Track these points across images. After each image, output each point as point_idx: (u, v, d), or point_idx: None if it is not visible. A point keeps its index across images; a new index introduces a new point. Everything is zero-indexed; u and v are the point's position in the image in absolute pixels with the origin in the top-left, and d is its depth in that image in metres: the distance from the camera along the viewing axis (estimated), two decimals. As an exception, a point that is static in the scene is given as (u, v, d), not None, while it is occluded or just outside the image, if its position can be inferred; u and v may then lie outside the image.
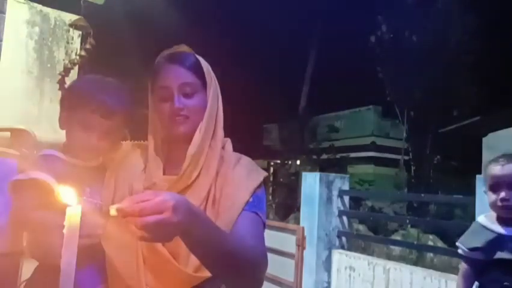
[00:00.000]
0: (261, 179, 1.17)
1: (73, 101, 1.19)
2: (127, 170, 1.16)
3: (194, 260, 1.00)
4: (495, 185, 1.83)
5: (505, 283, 1.77)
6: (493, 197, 1.84)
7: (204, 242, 0.91)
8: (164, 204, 0.80)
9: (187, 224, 0.83)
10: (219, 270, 0.98)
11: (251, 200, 1.11)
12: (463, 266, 1.94)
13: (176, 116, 1.10)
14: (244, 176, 1.15)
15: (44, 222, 1.02)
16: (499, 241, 1.80)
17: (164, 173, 1.14)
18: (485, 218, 1.91)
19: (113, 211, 0.79)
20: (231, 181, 1.12)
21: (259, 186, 1.15)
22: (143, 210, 0.78)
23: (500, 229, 1.82)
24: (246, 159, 1.21)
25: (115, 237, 1.04)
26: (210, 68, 1.17)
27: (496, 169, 1.83)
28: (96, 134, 1.16)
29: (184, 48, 1.19)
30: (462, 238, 1.95)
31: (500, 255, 1.78)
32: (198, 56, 1.17)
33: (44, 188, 1.05)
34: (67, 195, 0.75)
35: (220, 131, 1.18)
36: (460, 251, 1.94)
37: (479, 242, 1.84)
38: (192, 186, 1.11)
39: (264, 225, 1.14)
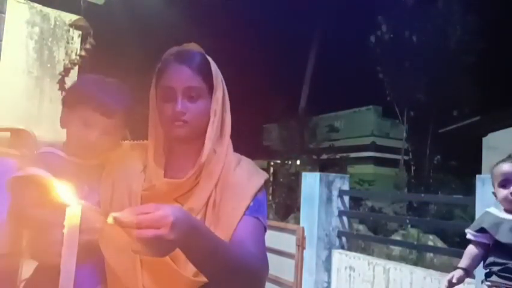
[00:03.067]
0: (262, 182, 1.14)
1: (74, 99, 1.19)
2: (125, 170, 1.14)
3: None
4: (505, 181, 2.01)
5: (503, 261, 1.94)
6: (504, 192, 2.01)
7: (204, 256, 0.90)
8: (163, 220, 0.78)
9: (184, 240, 0.82)
10: (220, 280, 0.97)
11: (252, 204, 1.09)
12: (470, 247, 2.10)
13: (176, 120, 1.07)
14: (245, 180, 1.12)
15: (43, 219, 1.01)
16: (503, 225, 1.97)
17: (164, 175, 1.12)
18: (495, 208, 2.08)
19: (110, 219, 0.78)
20: (232, 185, 1.10)
21: (260, 190, 1.12)
22: (140, 223, 0.77)
23: (506, 215, 1.99)
24: (246, 161, 1.18)
25: (112, 239, 1.02)
26: (219, 71, 1.14)
27: (506, 166, 2.03)
28: (96, 132, 1.16)
29: (194, 46, 1.15)
30: (471, 225, 2.12)
31: (503, 237, 1.94)
32: (208, 57, 1.13)
33: (43, 184, 1.05)
34: (67, 194, 0.75)
35: (227, 136, 1.15)
36: (468, 235, 2.10)
37: (484, 224, 2.02)
38: (192, 190, 1.09)
39: (265, 229, 1.12)
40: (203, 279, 1.00)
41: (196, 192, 1.08)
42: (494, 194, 2.09)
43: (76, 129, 1.17)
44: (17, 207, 1.09)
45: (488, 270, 2.01)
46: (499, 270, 1.94)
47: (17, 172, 1.11)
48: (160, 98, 1.10)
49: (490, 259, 1.99)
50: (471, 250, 2.08)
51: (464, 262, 2.08)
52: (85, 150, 1.17)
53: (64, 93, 1.26)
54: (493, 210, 2.07)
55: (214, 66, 1.13)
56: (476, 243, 2.06)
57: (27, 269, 1.21)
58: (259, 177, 1.14)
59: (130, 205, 1.05)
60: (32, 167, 1.09)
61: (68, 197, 0.74)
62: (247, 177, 1.13)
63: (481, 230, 2.02)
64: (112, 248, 1.04)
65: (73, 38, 3.54)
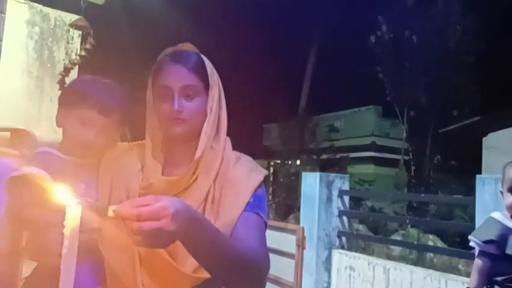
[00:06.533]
0: (262, 178, 1.15)
1: (71, 98, 1.20)
2: (123, 169, 1.15)
3: (193, 260, 0.99)
4: None
5: (508, 271, 1.82)
6: (510, 199, 1.88)
7: (205, 248, 0.90)
8: (163, 212, 0.78)
9: (184, 232, 0.82)
10: (221, 274, 0.97)
11: (252, 200, 1.09)
12: (477, 261, 1.95)
13: (174, 119, 1.08)
14: (245, 176, 1.13)
15: (41, 219, 1.02)
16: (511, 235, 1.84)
17: (162, 173, 1.13)
18: (500, 214, 1.94)
19: (110, 212, 0.79)
20: (231, 181, 1.11)
21: (259, 186, 1.13)
22: (140, 215, 0.77)
23: None
24: (245, 158, 1.19)
25: (111, 237, 1.02)
26: (214, 69, 1.15)
27: None
28: (93, 131, 1.17)
29: (188, 46, 1.17)
30: (475, 232, 1.99)
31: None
32: (202, 56, 1.15)
33: (40, 183, 1.05)
34: (65, 194, 0.75)
35: (224, 133, 1.16)
36: (472, 243, 1.97)
37: (492, 235, 1.88)
38: (190, 187, 1.09)
39: (266, 225, 1.12)
40: (203, 275, 1.00)
41: (194, 189, 1.09)
42: (501, 192, 1.97)
43: (73, 129, 1.18)
44: (15, 207, 1.09)
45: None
46: (503, 281, 1.84)
47: (14, 172, 1.11)
48: (157, 98, 1.11)
49: (502, 270, 1.86)
50: (479, 264, 1.92)
51: (473, 281, 1.92)
52: (83, 149, 1.18)
53: (60, 93, 1.27)
54: (498, 216, 1.93)
55: (209, 65, 1.14)
56: (484, 254, 1.92)
57: (27, 268, 1.21)
58: (258, 174, 1.15)
59: None
60: (29, 167, 1.10)
61: (67, 197, 0.74)
62: (246, 174, 1.13)
63: (489, 241, 1.88)
64: (110, 247, 1.04)
65: (73, 38, 3.55)
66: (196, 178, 1.10)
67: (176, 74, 1.09)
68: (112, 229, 1.01)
